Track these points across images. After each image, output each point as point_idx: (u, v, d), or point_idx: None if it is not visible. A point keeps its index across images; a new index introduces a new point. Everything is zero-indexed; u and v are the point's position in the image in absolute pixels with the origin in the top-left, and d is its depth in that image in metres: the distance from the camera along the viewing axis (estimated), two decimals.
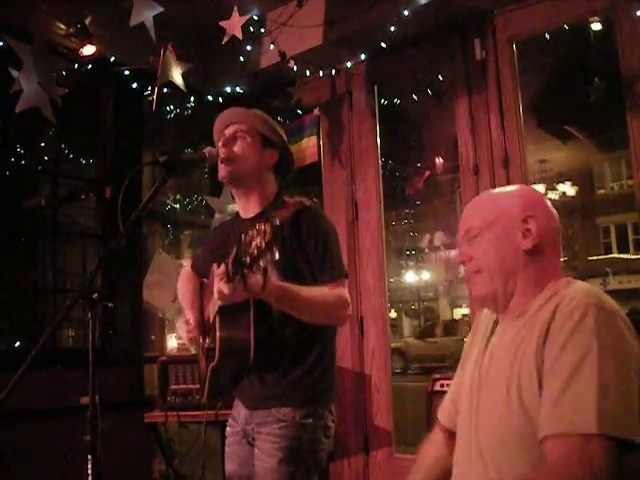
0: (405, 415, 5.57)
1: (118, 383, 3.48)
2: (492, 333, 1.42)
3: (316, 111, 3.84)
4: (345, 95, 3.76)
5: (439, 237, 21.28)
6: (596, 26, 3.28)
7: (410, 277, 24.71)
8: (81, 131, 4.10)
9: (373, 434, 3.46)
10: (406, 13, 3.17)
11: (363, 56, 3.65)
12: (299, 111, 3.86)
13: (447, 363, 15.59)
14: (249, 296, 1.68)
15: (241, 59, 3.68)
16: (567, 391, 1.13)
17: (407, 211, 22.42)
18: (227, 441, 2.01)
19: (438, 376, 2.78)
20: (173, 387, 3.04)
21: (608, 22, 3.11)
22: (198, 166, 1.90)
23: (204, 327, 1.96)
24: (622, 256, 19.69)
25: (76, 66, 3.45)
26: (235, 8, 3.24)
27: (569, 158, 17.69)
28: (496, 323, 1.43)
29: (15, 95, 3.06)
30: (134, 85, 3.76)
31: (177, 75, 3.32)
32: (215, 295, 1.66)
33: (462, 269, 1.43)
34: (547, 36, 3.20)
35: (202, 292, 2.07)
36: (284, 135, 2.05)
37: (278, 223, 1.41)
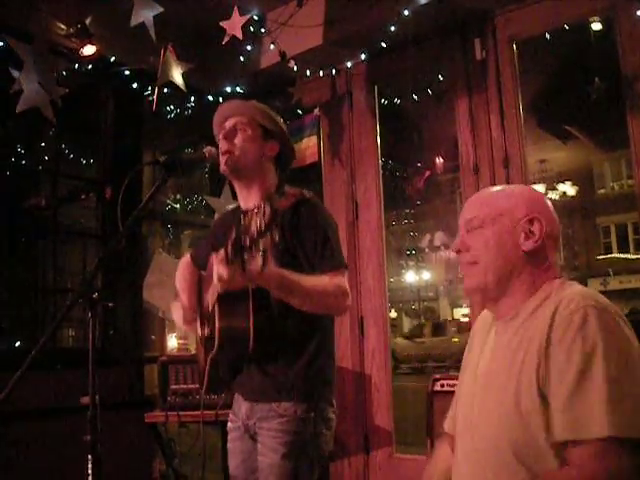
0: (405, 415, 5.57)
1: (118, 383, 3.48)
2: (489, 336, 1.41)
3: (316, 111, 3.84)
4: (345, 95, 3.77)
5: (439, 237, 21.26)
6: (596, 26, 3.28)
7: (410, 277, 24.71)
8: (81, 131, 4.10)
9: (373, 434, 3.47)
10: (406, 13, 3.17)
11: (363, 56, 3.65)
12: (299, 111, 3.87)
13: (436, 363, 15.68)
14: (248, 280, 1.65)
15: (241, 59, 3.68)
16: (578, 396, 1.13)
17: (407, 211, 22.42)
18: (229, 436, 2.01)
19: (438, 376, 2.77)
20: (173, 387, 3.04)
21: (608, 22, 3.11)
22: (198, 166, 1.90)
23: (202, 317, 1.96)
24: (622, 256, 19.69)
25: (76, 66, 3.45)
26: (235, 8, 3.25)
27: (569, 158, 17.67)
28: (492, 326, 1.42)
29: (15, 95, 3.07)
30: (134, 85, 3.76)
31: (177, 75, 3.32)
32: (214, 279, 1.63)
33: (452, 255, 1.42)
34: (547, 36, 3.20)
35: (200, 284, 2.07)
36: (284, 126, 2.05)
37: (278, 206, 1.41)
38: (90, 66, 3.46)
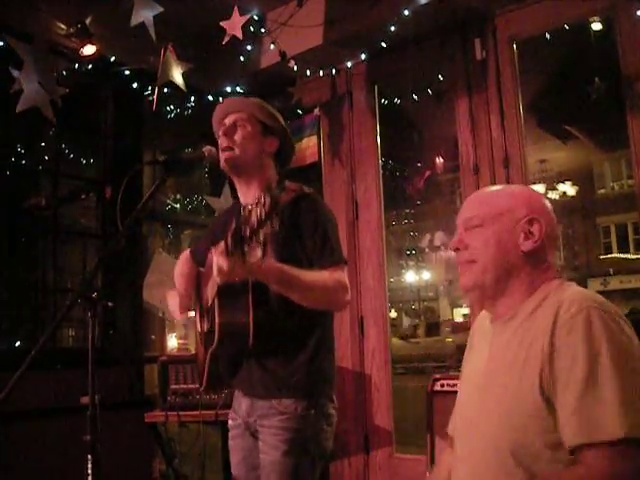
0: (405, 415, 5.57)
1: (118, 383, 3.48)
2: (487, 336, 1.41)
3: (316, 111, 3.84)
4: (345, 95, 3.77)
5: (439, 237, 21.24)
6: (596, 26, 3.27)
7: (410, 277, 24.70)
8: (81, 131, 4.09)
9: (373, 434, 3.47)
10: (406, 13, 3.17)
11: (363, 56, 3.65)
12: (299, 111, 3.87)
13: (430, 363, 15.76)
14: (248, 272, 1.65)
15: (241, 59, 3.68)
16: (588, 399, 1.12)
17: (407, 211, 22.41)
18: (230, 434, 2.01)
19: (438, 376, 2.77)
20: (173, 387, 3.04)
21: (608, 22, 3.11)
22: (197, 165, 1.90)
23: (202, 312, 1.96)
24: (622, 256, 19.70)
25: (76, 66, 3.45)
26: (235, 8, 3.25)
27: (569, 158, 17.67)
28: (490, 326, 1.42)
29: (15, 95, 3.07)
30: (134, 85, 3.77)
31: (177, 75, 3.32)
32: (214, 271, 1.62)
33: (452, 254, 1.41)
34: (547, 36, 3.20)
35: (199, 280, 2.07)
36: (284, 122, 2.05)
37: (278, 198, 1.41)
38: (90, 66, 3.46)
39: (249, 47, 3.62)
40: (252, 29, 3.51)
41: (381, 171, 3.69)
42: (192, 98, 4.03)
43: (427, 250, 23.54)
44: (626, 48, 2.86)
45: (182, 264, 2.23)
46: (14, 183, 3.62)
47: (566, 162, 17.93)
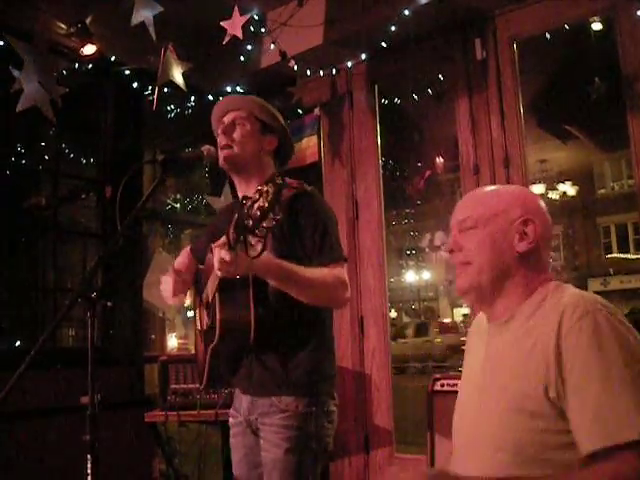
0: (405, 415, 5.57)
1: (118, 383, 3.48)
2: (484, 338, 1.41)
3: (316, 111, 3.84)
4: (345, 95, 3.76)
5: (439, 237, 21.19)
6: (596, 26, 3.27)
7: (410, 277, 24.70)
8: (81, 131, 4.09)
9: (373, 433, 3.46)
10: (406, 13, 3.17)
11: (364, 56, 3.65)
12: (299, 111, 3.86)
13: (417, 363, 15.86)
14: (250, 267, 1.64)
15: (241, 59, 3.67)
16: (603, 402, 1.12)
17: (407, 211, 22.39)
18: (231, 432, 2.01)
19: (438, 376, 2.77)
20: (173, 386, 3.04)
21: (608, 22, 3.11)
22: (196, 164, 1.90)
23: (202, 308, 1.95)
24: (622, 256, 19.70)
25: (76, 66, 3.46)
26: (235, 8, 3.24)
27: (569, 158, 17.67)
28: (487, 328, 1.41)
29: (16, 94, 3.07)
30: (134, 85, 3.77)
31: (177, 75, 3.32)
32: (215, 265, 1.60)
33: (445, 255, 1.41)
34: (547, 36, 3.20)
35: (198, 276, 2.07)
36: (283, 121, 2.05)
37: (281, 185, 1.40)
38: (90, 66, 3.47)
39: (249, 47, 3.62)
40: (252, 29, 3.50)
41: (381, 171, 3.69)
42: (192, 98, 4.03)
43: (427, 250, 23.52)
44: (626, 48, 2.86)
45: (182, 256, 2.24)
46: (14, 183, 3.62)
47: (566, 162, 17.93)
